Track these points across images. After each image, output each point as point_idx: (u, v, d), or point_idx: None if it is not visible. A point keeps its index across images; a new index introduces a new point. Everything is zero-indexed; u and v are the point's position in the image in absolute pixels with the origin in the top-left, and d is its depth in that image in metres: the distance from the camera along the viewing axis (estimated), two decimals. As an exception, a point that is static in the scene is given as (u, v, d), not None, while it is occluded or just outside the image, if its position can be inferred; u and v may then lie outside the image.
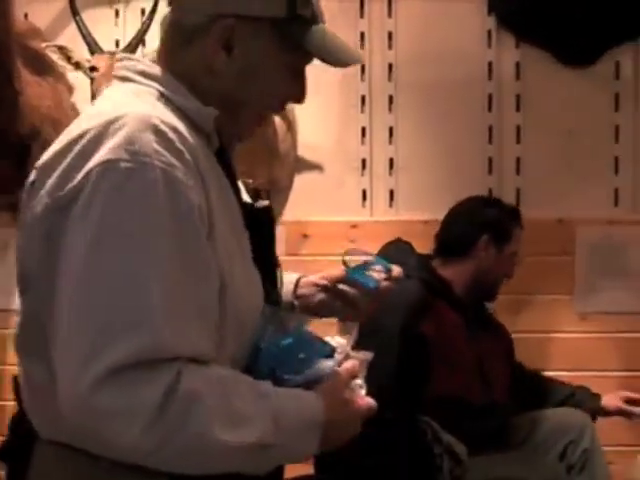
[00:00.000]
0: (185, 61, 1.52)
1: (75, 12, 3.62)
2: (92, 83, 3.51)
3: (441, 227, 3.20)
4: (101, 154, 1.36)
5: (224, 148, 1.58)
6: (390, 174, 3.88)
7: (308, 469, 2.49)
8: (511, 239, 3.12)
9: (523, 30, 3.78)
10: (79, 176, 1.36)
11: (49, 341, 1.37)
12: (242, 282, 1.49)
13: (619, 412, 3.18)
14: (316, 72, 1.67)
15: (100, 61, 3.51)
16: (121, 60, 1.58)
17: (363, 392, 1.53)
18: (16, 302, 1.55)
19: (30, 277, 1.45)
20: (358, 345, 1.60)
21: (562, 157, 3.84)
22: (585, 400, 3.18)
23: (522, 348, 3.34)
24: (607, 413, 3.19)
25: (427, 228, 3.49)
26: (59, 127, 3.87)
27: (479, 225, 3.09)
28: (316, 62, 1.57)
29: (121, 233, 1.34)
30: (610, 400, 3.19)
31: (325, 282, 1.79)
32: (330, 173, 3.79)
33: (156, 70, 1.52)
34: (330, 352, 1.53)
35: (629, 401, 3.18)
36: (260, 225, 1.61)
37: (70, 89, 4.01)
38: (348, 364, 1.52)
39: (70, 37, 3.79)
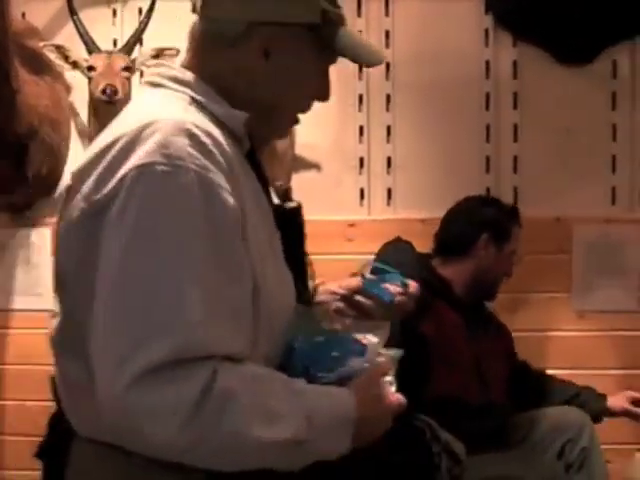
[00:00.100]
0: (220, 67, 1.57)
1: (73, 11, 3.62)
2: (90, 82, 3.52)
3: (440, 226, 3.20)
4: (136, 158, 1.39)
5: (254, 151, 1.62)
6: (388, 173, 3.89)
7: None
8: (510, 238, 3.13)
9: (520, 29, 3.78)
10: (114, 180, 1.39)
11: (86, 341, 1.40)
12: (274, 283, 1.53)
13: (625, 413, 3.18)
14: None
15: (98, 60, 3.52)
16: (151, 67, 1.60)
17: (393, 389, 1.57)
18: (53, 303, 1.58)
19: (68, 279, 1.49)
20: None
21: (559, 155, 3.85)
22: (590, 401, 3.18)
23: (520, 346, 3.35)
24: (613, 414, 3.19)
25: (425, 227, 3.49)
26: (57, 126, 3.88)
27: (479, 224, 3.09)
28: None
29: (156, 236, 1.37)
30: (616, 401, 3.18)
31: (343, 291, 1.82)
32: (328, 172, 3.79)
33: (188, 76, 1.57)
34: (362, 350, 1.56)
35: (635, 402, 3.18)
36: (290, 226, 1.65)
37: (68, 88, 4.01)
38: (379, 361, 1.56)
39: (68, 36, 3.79)
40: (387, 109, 3.88)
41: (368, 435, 1.51)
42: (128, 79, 3.56)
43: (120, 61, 3.54)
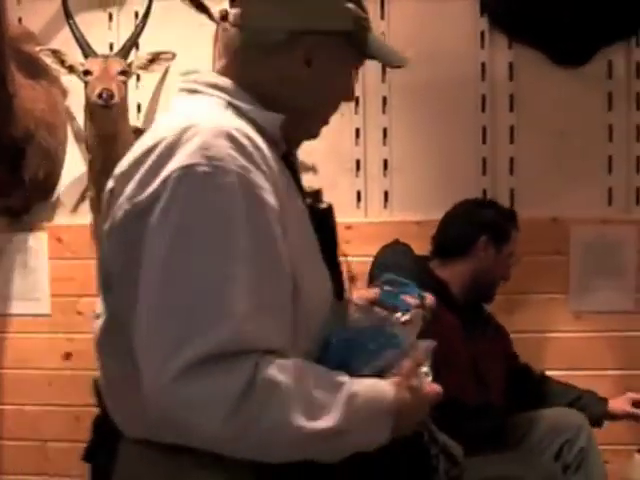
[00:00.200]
0: (261, 75, 1.63)
1: (69, 16, 3.62)
2: (86, 86, 3.52)
3: (438, 228, 3.21)
4: (178, 160, 1.44)
5: (288, 152, 1.68)
6: (384, 175, 3.89)
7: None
8: (509, 240, 3.14)
9: (516, 30, 3.80)
10: (157, 182, 1.44)
11: (131, 340, 1.44)
12: (313, 280, 1.58)
13: (627, 416, 3.18)
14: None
15: (94, 64, 3.52)
16: (186, 74, 1.68)
17: (429, 379, 1.61)
18: (98, 305, 1.65)
19: (113, 280, 1.54)
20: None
21: (556, 157, 3.85)
22: (591, 404, 3.18)
23: (517, 347, 3.36)
24: (614, 417, 3.19)
25: (422, 229, 3.50)
26: (53, 130, 3.88)
27: (478, 226, 3.10)
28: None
29: (199, 235, 1.41)
30: (617, 404, 3.18)
31: (361, 302, 1.84)
32: (324, 174, 3.79)
33: (223, 81, 1.62)
34: (397, 342, 1.60)
35: (636, 403, 3.17)
36: (324, 226, 1.70)
37: (64, 92, 4.02)
38: (414, 353, 1.60)
39: (64, 41, 3.79)
40: (383, 111, 3.88)
41: (406, 426, 1.56)
42: (124, 83, 3.56)
43: (116, 65, 3.54)
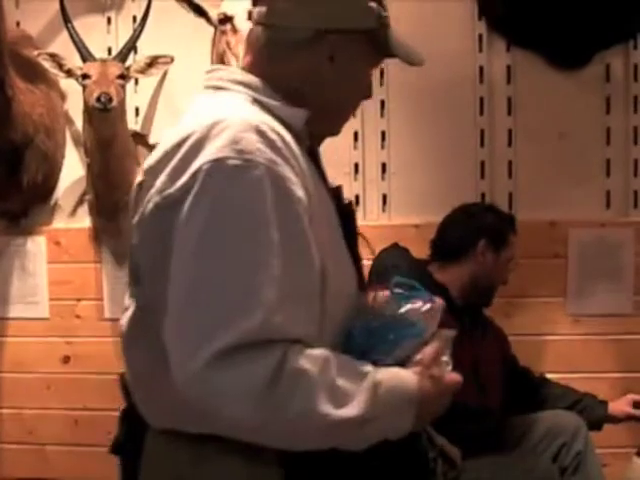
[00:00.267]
0: (287, 72, 1.67)
1: (67, 19, 3.63)
2: (84, 90, 3.52)
3: (438, 232, 3.21)
4: (208, 153, 1.47)
5: (312, 148, 1.70)
6: (383, 179, 3.89)
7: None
8: (507, 244, 3.14)
9: (514, 34, 3.80)
10: (187, 174, 1.47)
11: (160, 330, 1.47)
12: (339, 272, 1.61)
13: (628, 417, 3.18)
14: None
15: (92, 68, 3.53)
16: (211, 72, 1.75)
17: (449, 368, 1.63)
18: (125, 299, 1.68)
19: (144, 271, 1.59)
20: None
21: (554, 160, 3.85)
22: (591, 407, 3.18)
23: (515, 350, 3.36)
24: (614, 420, 3.19)
25: (420, 232, 3.50)
26: (52, 134, 3.89)
27: (477, 230, 3.10)
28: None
29: (230, 227, 1.44)
30: (617, 406, 3.18)
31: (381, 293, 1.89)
32: (323, 178, 3.79)
33: (249, 78, 1.66)
34: (418, 332, 1.62)
35: (637, 403, 3.17)
36: (348, 220, 1.75)
37: (63, 96, 4.02)
38: (435, 342, 1.63)
39: (62, 44, 3.80)
40: (381, 115, 3.89)
41: (428, 414, 1.59)
42: (123, 87, 3.57)
43: (114, 69, 3.55)
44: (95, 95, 3.42)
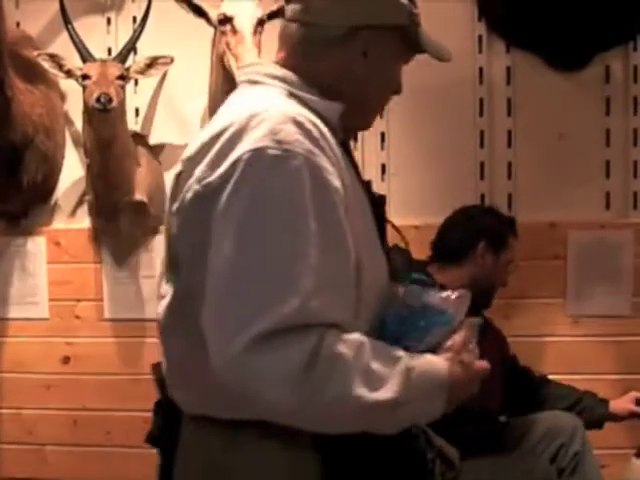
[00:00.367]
0: (321, 67, 1.71)
1: (67, 20, 3.63)
2: (84, 91, 3.52)
3: (438, 234, 3.21)
4: (247, 143, 1.51)
5: (345, 141, 1.75)
6: (382, 180, 3.89)
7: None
8: (507, 247, 3.14)
9: (513, 35, 3.80)
10: (227, 163, 1.52)
11: (198, 316, 1.52)
12: (372, 261, 1.65)
13: (631, 414, 3.17)
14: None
15: (92, 69, 3.53)
16: (246, 67, 1.78)
17: (476, 355, 1.69)
18: (162, 288, 1.70)
19: (182, 258, 1.62)
20: None
21: (553, 161, 3.85)
22: (592, 406, 3.17)
23: (515, 352, 3.36)
24: (616, 418, 3.18)
25: (419, 233, 3.50)
26: (52, 134, 3.89)
27: (477, 232, 3.11)
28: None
29: (269, 215, 1.48)
30: (619, 404, 3.18)
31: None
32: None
33: (284, 73, 1.71)
34: (447, 319, 1.67)
35: (639, 401, 3.17)
36: (379, 211, 1.80)
37: (62, 97, 4.02)
38: (463, 330, 1.68)
39: (62, 45, 3.80)
40: (381, 116, 3.88)
41: (458, 399, 1.64)
42: (122, 87, 3.57)
43: (114, 69, 3.55)
44: (95, 96, 3.42)
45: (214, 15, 3.40)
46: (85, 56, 3.57)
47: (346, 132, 1.75)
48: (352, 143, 1.91)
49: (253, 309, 1.44)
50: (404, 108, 3.84)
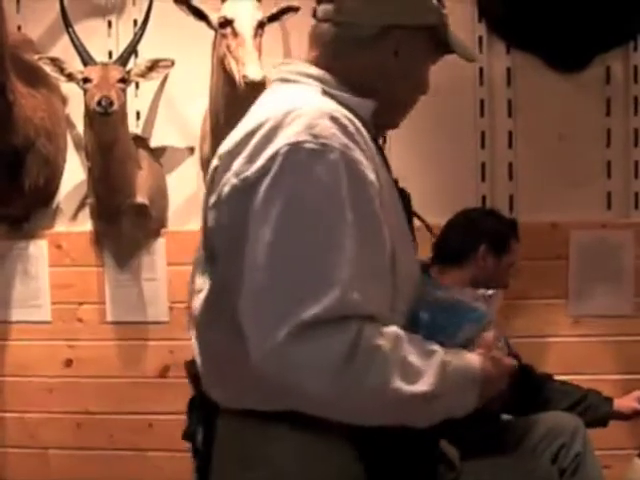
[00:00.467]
0: (353, 65, 1.74)
1: (68, 24, 3.63)
2: (85, 94, 3.53)
3: (440, 235, 3.21)
4: (285, 137, 1.54)
5: (376, 138, 1.79)
6: (383, 181, 3.89)
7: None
8: (509, 250, 3.13)
9: (514, 36, 3.80)
10: (265, 157, 1.54)
11: (235, 308, 1.54)
12: (405, 254, 1.69)
13: (635, 413, 3.17)
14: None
15: (93, 72, 3.53)
16: (279, 66, 1.81)
17: (504, 352, 1.74)
18: (197, 282, 1.71)
19: (220, 251, 1.64)
20: None
21: (554, 162, 3.85)
22: (596, 404, 3.17)
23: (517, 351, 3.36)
24: (621, 417, 3.17)
25: (420, 234, 3.49)
26: (53, 138, 3.89)
27: (478, 234, 3.10)
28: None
29: (307, 208, 1.51)
30: (624, 402, 3.17)
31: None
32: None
33: (317, 71, 1.74)
34: (479, 316, 1.72)
35: None
36: (406, 206, 1.84)
37: (64, 100, 4.03)
38: (493, 327, 1.73)
39: (63, 48, 3.80)
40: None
41: (488, 394, 1.67)
42: (123, 90, 3.57)
43: (115, 72, 3.55)
44: (96, 99, 3.43)
45: (214, 18, 3.40)
46: (86, 59, 3.57)
47: (376, 130, 1.79)
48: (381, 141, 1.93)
49: (294, 300, 1.46)
50: (405, 109, 3.85)
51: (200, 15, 3.46)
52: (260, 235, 1.51)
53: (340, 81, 1.72)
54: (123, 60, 3.64)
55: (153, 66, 3.68)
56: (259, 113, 1.64)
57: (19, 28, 4.04)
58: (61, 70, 3.59)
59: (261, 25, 3.35)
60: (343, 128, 1.57)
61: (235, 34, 3.29)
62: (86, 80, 3.52)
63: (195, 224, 4.14)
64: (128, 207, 3.75)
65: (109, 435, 4.00)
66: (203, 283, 1.69)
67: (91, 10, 4.00)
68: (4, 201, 3.87)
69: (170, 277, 3.93)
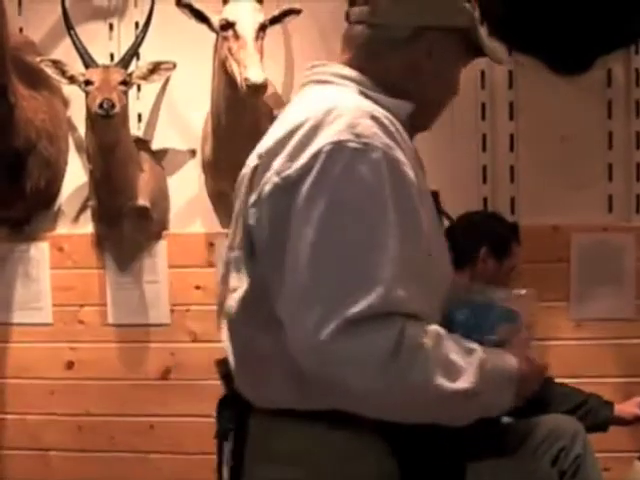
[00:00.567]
0: (387, 66, 1.75)
1: (69, 26, 3.64)
2: (87, 96, 3.53)
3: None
4: (327, 136, 1.55)
5: (410, 139, 1.78)
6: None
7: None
8: (510, 253, 3.13)
9: (515, 39, 3.80)
10: (307, 155, 1.55)
11: (274, 308, 1.56)
12: (440, 253, 1.73)
13: (636, 418, 3.16)
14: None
15: (94, 74, 3.54)
16: (312, 67, 1.81)
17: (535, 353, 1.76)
18: (232, 282, 1.70)
19: (260, 249, 1.63)
20: None
21: (556, 164, 3.85)
22: (597, 408, 3.17)
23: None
24: (621, 422, 3.17)
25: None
26: (55, 140, 3.89)
27: (479, 237, 3.10)
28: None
29: (351, 206, 1.52)
30: (625, 407, 3.16)
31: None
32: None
33: (351, 72, 1.75)
34: (513, 316, 1.73)
35: None
36: (437, 205, 1.86)
37: (65, 103, 4.03)
38: (527, 327, 1.76)
39: (65, 51, 3.81)
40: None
41: (523, 394, 1.69)
42: (125, 93, 3.58)
43: (117, 75, 3.55)
44: (98, 101, 3.43)
45: (216, 21, 3.40)
46: (88, 62, 3.58)
47: (411, 130, 1.79)
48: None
49: (338, 298, 1.47)
50: (406, 112, 3.85)
51: (202, 18, 3.46)
52: (303, 234, 1.52)
53: (374, 82, 1.73)
54: (125, 62, 3.64)
55: (155, 69, 3.68)
56: (297, 113, 1.65)
57: (21, 30, 4.04)
58: (63, 72, 3.59)
59: (263, 28, 3.36)
60: (384, 127, 1.59)
61: (237, 37, 3.30)
62: (88, 82, 3.53)
63: (196, 226, 4.16)
64: (129, 209, 3.76)
65: (110, 437, 4.00)
66: (239, 282, 1.69)
67: (93, 12, 4.00)
68: (5, 203, 3.88)
69: (171, 279, 3.93)
